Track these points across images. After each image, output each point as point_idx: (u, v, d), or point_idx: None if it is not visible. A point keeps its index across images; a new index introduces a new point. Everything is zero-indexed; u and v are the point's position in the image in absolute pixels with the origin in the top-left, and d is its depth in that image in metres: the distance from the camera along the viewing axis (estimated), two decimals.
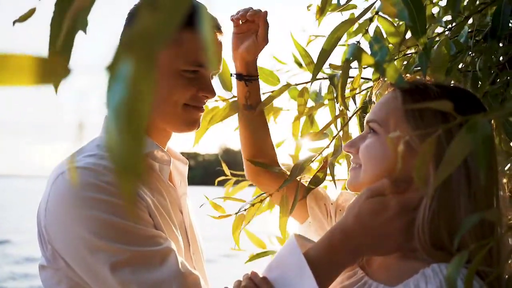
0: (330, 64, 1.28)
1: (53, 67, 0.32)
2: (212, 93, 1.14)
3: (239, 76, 1.34)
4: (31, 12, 1.24)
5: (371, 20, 0.87)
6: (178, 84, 1.08)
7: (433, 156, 0.85)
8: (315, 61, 1.02)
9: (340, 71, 1.13)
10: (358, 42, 0.83)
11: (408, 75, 1.06)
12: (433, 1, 1.46)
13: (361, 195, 0.93)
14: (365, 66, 0.79)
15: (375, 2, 0.90)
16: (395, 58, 1.27)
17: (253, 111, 1.33)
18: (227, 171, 1.58)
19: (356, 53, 0.79)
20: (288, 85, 1.30)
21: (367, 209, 0.91)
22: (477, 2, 1.31)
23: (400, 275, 0.89)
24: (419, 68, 1.15)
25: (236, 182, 1.62)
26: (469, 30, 1.25)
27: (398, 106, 0.93)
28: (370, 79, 1.36)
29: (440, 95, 0.91)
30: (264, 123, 1.37)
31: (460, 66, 1.35)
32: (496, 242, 0.85)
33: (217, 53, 1.13)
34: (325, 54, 0.85)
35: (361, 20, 0.98)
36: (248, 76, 1.34)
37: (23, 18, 1.27)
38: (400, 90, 0.95)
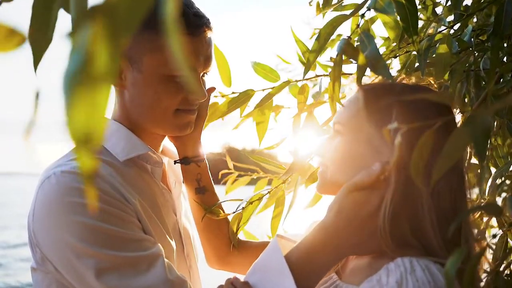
0: (331, 58, 1.27)
1: (8, 34, 0.32)
2: (202, 95, 1.11)
3: (186, 160, 1.27)
4: None
5: (362, 16, 0.87)
6: (167, 90, 1.05)
7: (395, 159, 0.85)
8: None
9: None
10: (349, 37, 0.82)
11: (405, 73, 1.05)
12: (436, 1, 1.45)
13: (341, 191, 0.92)
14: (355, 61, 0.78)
15: (365, 0, 0.89)
16: (397, 55, 1.26)
17: (206, 193, 1.28)
18: (230, 164, 1.58)
19: (345, 47, 0.78)
20: (288, 82, 1.29)
21: (349, 204, 0.90)
22: (482, 0, 1.29)
23: (369, 273, 0.88)
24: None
25: (240, 176, 1.61)
26: (473, 30, 1.23)
27: (360, 106, 0.93)
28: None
29: (402, 93, 0.91)
30: (216, 200, 1.31)
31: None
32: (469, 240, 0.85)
33: (205, 52, 1.08)
34: (315, 51, 0.85)
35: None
36: (197, 157, 1.28)
37: None
38: (363, 90, 0.94)
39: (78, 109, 0.28)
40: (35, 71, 0.47)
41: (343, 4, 1.36)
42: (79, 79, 0.28)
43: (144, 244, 0.98)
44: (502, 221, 0.98)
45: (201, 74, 1.11)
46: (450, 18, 1.47)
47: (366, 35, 0.80)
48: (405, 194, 0.85)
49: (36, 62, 0.45)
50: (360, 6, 0.91)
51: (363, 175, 0.90)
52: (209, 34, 1.09)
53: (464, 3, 1.40)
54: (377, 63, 0.75)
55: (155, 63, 1.03)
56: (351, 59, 0.79)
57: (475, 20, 1.45)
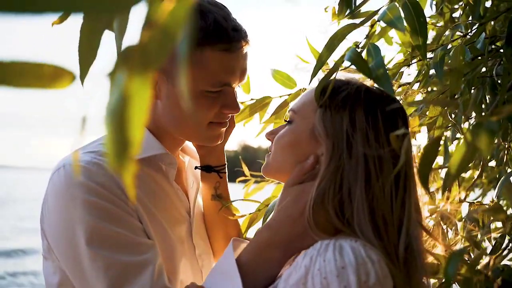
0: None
1: (60, 73, 0.36)
2: (236, 109, 1.11)
3: (208, 168, 1.27)
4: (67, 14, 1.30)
5: (372, 26, 0.90)
6: (202, 104, 1.05)
7: (329, 148, 0.89)
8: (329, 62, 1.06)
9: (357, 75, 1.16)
10: (357, 46, 0.85)
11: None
12: (454, 7, 1.46)
13: (282, 188, 0.97)
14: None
15: (378, 9, 0.92)
16: (410, 64, 1.28)
17: (221, 201, 1.27)
18: (247, 172, 1.60)
19: (354, 57, 0.82)
20: (303, 90, 1.32)
21: (288, 198, 0.94)
22: (501, 7, 1.30)
23: None
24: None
25: (256, 182, 1.64)
26: (486, 37, 1.24)
27: (313, 97, 0.96)
28: None
29: (350, 92, 0.93)
30: (230, 206, 1.31)
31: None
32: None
33: (242, 66, 1.07)
34: (321, 60, 0.88)
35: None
36: (219, 166, 1.28)
37: (60, 20, 1.34)
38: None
39: (115, 138, 0.33)
40: (82, 84, 0.52)
41: (361, 11, 1.39)
42: (117, 114, 0.33)
43: (138, 248, 0.98)
44: (505, 221, 1.00)
45: (235, 87, 1.11)
46: (469, 21, 1.48)
47: (373, 46, 0.83)
48: (333, 183, 0.87)
49: (83, 76, 0.50)
50: (369, 17, 0.94)
51: (298, 169, 0.94)
52: (247, 48, 1.07)
53: (486, 4, 1.41)
54: (380, 75, 0.78)
55: (193, 78, 1.02)
56: (359, 70, 0.82)
57: (494, 24, 1.45)
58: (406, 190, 0.89)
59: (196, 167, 1.29)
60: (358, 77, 1.00)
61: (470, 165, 2.06)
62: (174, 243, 1.12)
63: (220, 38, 1.00)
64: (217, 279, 0.94)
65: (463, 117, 1.41)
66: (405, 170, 0.89)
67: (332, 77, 0.91)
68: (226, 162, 1.30)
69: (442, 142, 1.79)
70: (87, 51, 0.50)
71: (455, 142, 1.56)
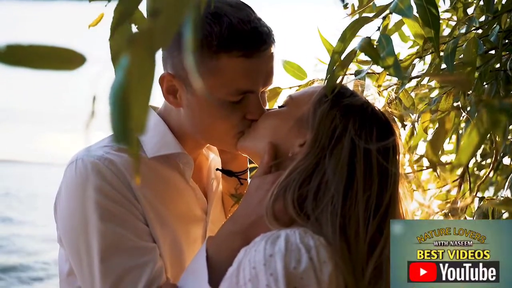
0: (357, 59, 1.30)
1: (72, 56, 0.39)
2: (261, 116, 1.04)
3: (229, 173, 1.26)
4: (101, 17, 1.32)
5: (384, 18, 0.90)
6: (221, 114, 1.00)
7: (312, 141, 0.89)
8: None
9: (367, 66, 1.16)
10: (369, 37, 0.85)
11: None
12: (469, 0, 1.45)
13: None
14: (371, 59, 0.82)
15: (391, 2, 0.92)
16: (422, 56, 1.28)
17: (240, 199, 1.24)
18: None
19: (364, 45, 0.82)
20: (313, 81, 1.32)
21: (250, 188, 0.95)
22: None
23: None
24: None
25: None
26: (500, 31, 1.23)
27: (315, 91, 0.96)
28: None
29: (355, 103, 0.93)
30: None
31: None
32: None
33: (265, 70, 1.00)
34: (338, 52, 0.88)
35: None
36: (241, 173, 1.26)
37: (95, 23, 1.36)
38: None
39: (119, 117, 0.35)
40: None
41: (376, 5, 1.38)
42: (120, 95, 0.34)
43: (138, 252, 0.97)
44: None
45: (260, 92, 1.04)
46: (483, 18, 1.47)
47: (385, 36, 0.83)
48: (303, 175, 0.86)
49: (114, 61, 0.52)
50: (383, 9, 0.94)
51: (260, 162, 0.96)
52: (271, 49, 1.00)
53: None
54: (391, 63, 0.78)
55: (211, 87, 0.97)
56: (368, 57, 0.83)
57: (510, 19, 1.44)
58: (388, 214, 0.86)
59: (217, 169, 1.27)
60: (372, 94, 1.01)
61: (484, 163, 2.05)
62: (182, 246, 1.10)
63: (236, 44, 0.93)
64: (190, 275, 0.94)
65: (476, 113, 1.40)
66: (389, 196, 0.88)
67: (344, 70, 0.90)
68: (248, 167, 1.28)
69: (454, 139, 1.78)
70: (117, 44, 0.51)
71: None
